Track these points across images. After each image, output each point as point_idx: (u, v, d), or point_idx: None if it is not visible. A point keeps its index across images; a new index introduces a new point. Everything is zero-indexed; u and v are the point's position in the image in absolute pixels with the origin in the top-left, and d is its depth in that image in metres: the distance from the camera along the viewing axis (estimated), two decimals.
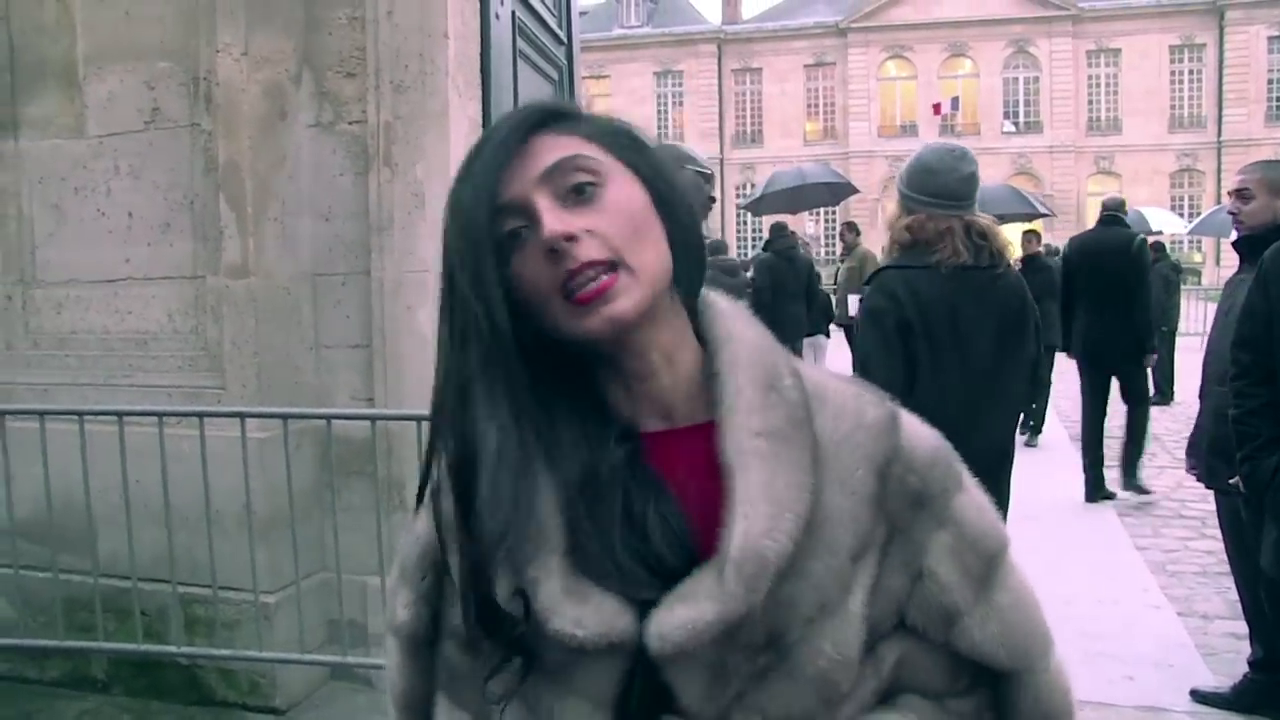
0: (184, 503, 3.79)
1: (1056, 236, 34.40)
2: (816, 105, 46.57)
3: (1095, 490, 7.17)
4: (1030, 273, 9.00)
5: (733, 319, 0.99)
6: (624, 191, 0.93)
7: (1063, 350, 7.63)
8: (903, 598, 0.96)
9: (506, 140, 0.92)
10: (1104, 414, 7.29)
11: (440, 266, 0.94)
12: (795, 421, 0.92)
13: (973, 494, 1.00)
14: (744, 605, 0.85)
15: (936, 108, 41.63)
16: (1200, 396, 4.04)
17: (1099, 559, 5.80)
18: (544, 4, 5.28)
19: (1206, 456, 3.91)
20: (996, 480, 2.90)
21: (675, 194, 0.98)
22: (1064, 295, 7.32)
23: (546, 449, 0.91)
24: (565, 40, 5.69)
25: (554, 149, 0.92)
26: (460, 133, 4.09)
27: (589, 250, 0.89)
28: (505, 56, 4.59)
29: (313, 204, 4.10)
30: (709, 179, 3.23)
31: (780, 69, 46.21)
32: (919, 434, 0.99)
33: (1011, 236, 4.62)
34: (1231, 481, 3.56)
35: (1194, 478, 4.25)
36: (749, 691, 0.90)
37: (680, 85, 47.25)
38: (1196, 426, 4.10)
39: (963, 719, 1.01)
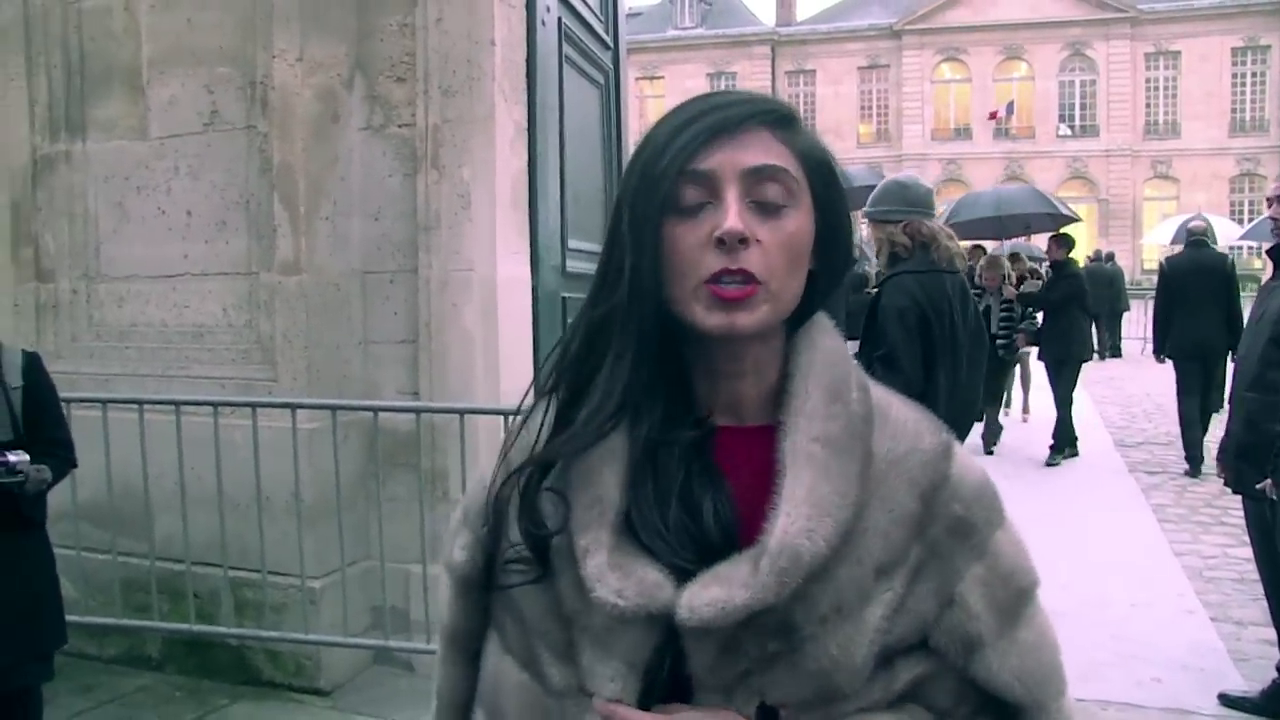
0: (236, 489, 3.96)
1: (1112, 242, 34.01)
2: (870, 108, 46.27)
3: (1196, 467, 8.06)
4: (1056, 279, 9.24)
5: (817, 328, 1.03)
6: (802, 223, 0.97)
7: (1157, 353, 8.92)
8: (929, 620, 0.98)
9: (732, 117, 0.95)
10: (1199, 403, 8.31)
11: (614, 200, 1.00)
12: (854, 434, 0.97)
13: (1011, 531, 1.04)
14: (773, 596, 0.90)
15: (993, 114, 41.21)
16: (1230, 401, 4.05)
17: (1136, 564, 5.78)
18: (590, 10, 5.40)
19: (1235, 461, 3.92)
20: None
21: (841, 240, 1.03)
22: (1163, 306, 8.68)
23: (634, 412, 0.97)
24: (612, 45, 5.80)
25: (768, 151, 0.96)
26: (505, 137, 4.22)
27: (752, 260, 0.93)
28: (551, 62, 4.71)
29: (363, 204, 4.24)
30: None
31: (834, 71, 45.99)
32: (969, 466, 1.03)
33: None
34: (1259, 486, 3.58)
35: (1224, 483, 4.25)
36: (754, 673, 0.95)
37: (734, 86, 47.12)
38: (1227, 433, 4.11)
39: None
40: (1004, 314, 9.15)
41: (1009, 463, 8.78)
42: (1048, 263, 10.17)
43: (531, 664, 1.05)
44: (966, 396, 3.73)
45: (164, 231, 4.38)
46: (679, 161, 0.94)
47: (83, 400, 4.02)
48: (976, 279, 9.04)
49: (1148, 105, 43.13)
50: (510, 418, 1.06)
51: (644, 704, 0.96)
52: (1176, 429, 9.77)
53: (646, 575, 0.93)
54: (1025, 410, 10.69)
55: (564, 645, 1.00)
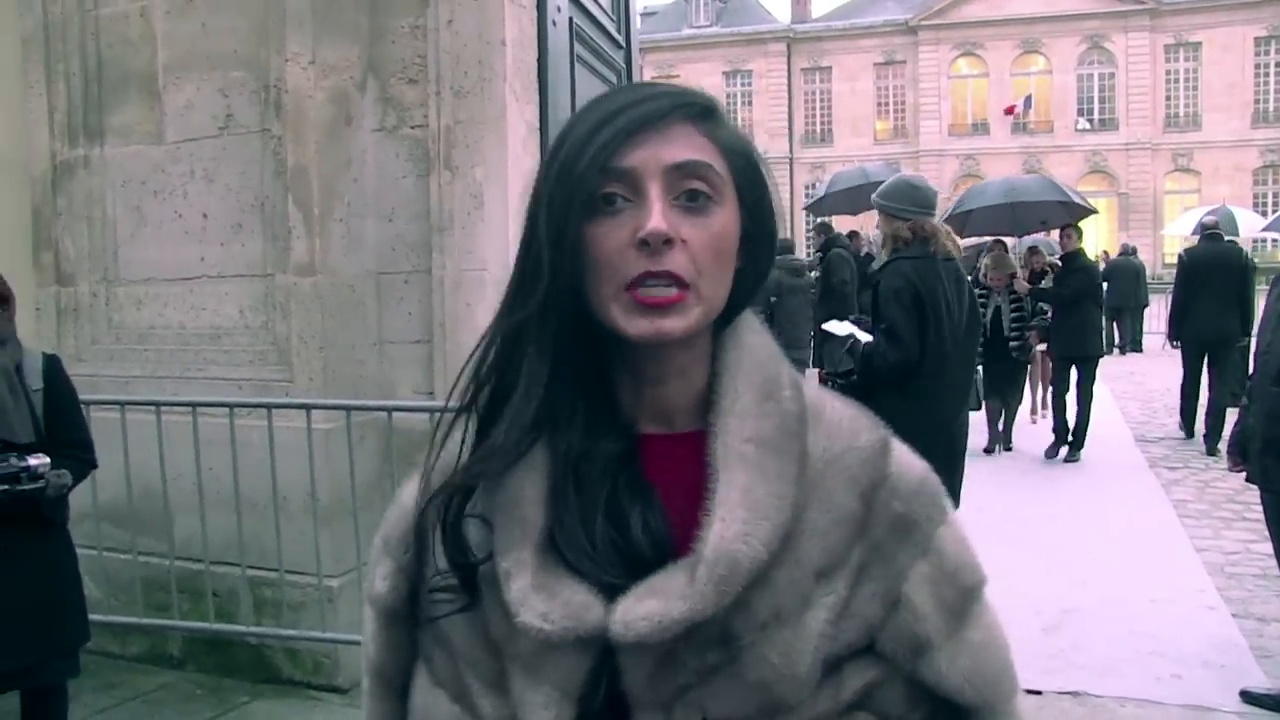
0: (253, 490, 4.00)
1: (1133, 236, 33.75)
2: (887, 104, 46.10)
3: (1211, 446, 8.49)
4: (1067, 272, 8.85)
5: (744, 327, 0.99)
6: (728, 219, 0.92)
7: (1171, 340, 9.51)
8: (875, 624, 0.95)
9: (651, 112, 0.90)
10: (1196, 381, 9.21)
11: (527, 202, 0.94)
12: (787, 433, 0.93)
13: (955, 527, 1.00)
14: (713, 606, 0.86)
15: (1010, 110, 40.99)
16: (1249, 395, 4.03)
17: (1156, 560, 5.75)
18: (602, 9, 5.41)
19: (1260, 458, 3.89)
20: (961, 418, 4.29)
21: (766, 237, 0.98)
22: (1181, 295, 9.16)
23: (554, 425, 0.92)
24: (624, 44, 5.81)
25: (690, 146, 0.91)
26: (518, 136, 4.23)
27: (677, 262, 0.88)
28: (562, 62, 4.72)
29: (377, 205, 4.27)
30: None
31: (850, 67, 45.83)
32: (908, 463, 0.99)
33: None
34: None
35: (1245, 479, 4.21)
36: (694, 687, 0.91)
37: (749, 84, 47.10)
38: (1238, 425, 4.08)
39: None
40: (1014, 312, 8.88)
41: (1025, 459, 8.78)
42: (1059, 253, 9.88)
43: (463, 696, 1.00)
44: (956, 376, 4.22)
45: (181, 235, 4.42)
46: (600, 159, 0.88)
47: (101, 402, 4.06)
48: (982, 278, 8.87)
49: (1168, 97, 42.79)
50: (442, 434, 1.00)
51: None
52: (1199, 425, 9.73)
53: (574, 596, 0.88)
54: (1034, 411, 10.26)
55: (495, 675, 0.96)
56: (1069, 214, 10.65)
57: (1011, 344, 8.76)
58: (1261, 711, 3.83)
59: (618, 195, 0.89)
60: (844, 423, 0.97)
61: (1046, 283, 9.14)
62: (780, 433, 0.92)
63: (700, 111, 0.94)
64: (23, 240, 4.73)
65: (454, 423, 0.98)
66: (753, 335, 0.99)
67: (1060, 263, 9.29)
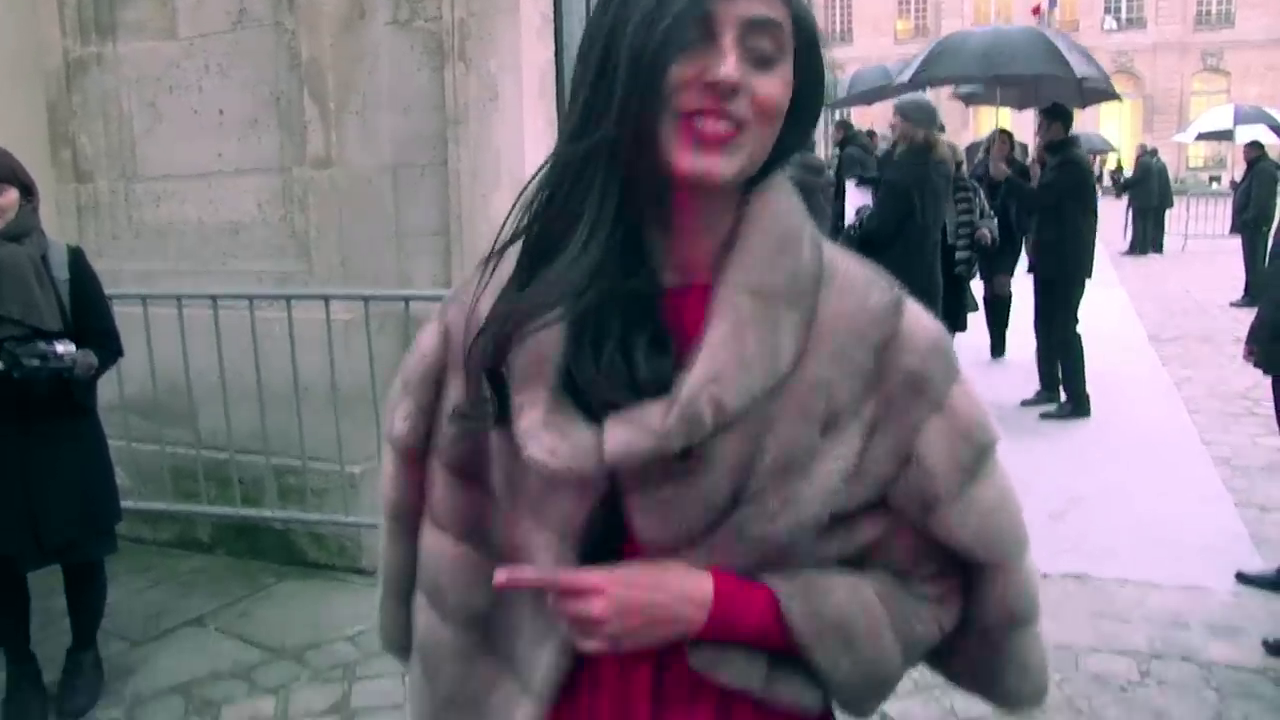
0: (275, 381, 4.09)
1: (1156, 138, 33.15)
2: (908, 2, 45.06)
3: None
4: (1051, 169, 6.70)
5: (773, 188, 1.00)
6: (785, 80, 0.94)
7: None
8: (888, 479, 0.97)
9: None
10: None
11: (591, 30, 0.94)
12: (797, 288, 0.94)
13: (968, 387, 1.01)
14: (680, 443, 0.89)
15: (1036, 9, 39.93)
16: (1266, 285, 4.04)
17: (1163, 452, 5.83)
18: None
19: (1268, 343, 3.91)
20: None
21: (812, 105, 0.99)
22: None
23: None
24: None
25: (768, 4, 0.92)
26: (531, 27, 4.22)
27: (740, 108, 0.90)
28: None
29: (392, 98, 4.26)
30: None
31: None
32: (921, 322, 1.00)
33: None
34: None
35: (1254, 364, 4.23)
36: (700, 537, 0.95)
37: None
38: (1258, 315, 4.10)
39: (924, 601, 1.04)
40: (962, 214, 6.81)
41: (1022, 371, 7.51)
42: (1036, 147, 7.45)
43: (473, 534, 1.06)
44: (927, 262, 5.81)
45: (197, 130, 4.44)
46: (700, 3, 0.89)
47: (123, 296, 4.12)
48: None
49: None
50: (488, 264, 1.01)
51: None
52: (1214, 325, 9.70)
53: (582, 437, 0.91)
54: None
55: (506, 509, 1.01)
56: (1080, 95, 8.09)
57: (957, 255, 6.70)
58: (1255, 590, 3.93)
59: (693, 38, 0.89)
60: (857, 281, 0.99)
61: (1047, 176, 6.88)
62: (789, 287, 0.94)
63: None
64: (40, 138, 4.76)
65: (490, 261, 1.00)
66: (780, 194, 1.00)
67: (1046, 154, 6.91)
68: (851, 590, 1.01)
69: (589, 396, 0.92)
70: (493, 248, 1.00)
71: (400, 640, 1.25)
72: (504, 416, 0.95)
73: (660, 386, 0.91)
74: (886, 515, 1.00)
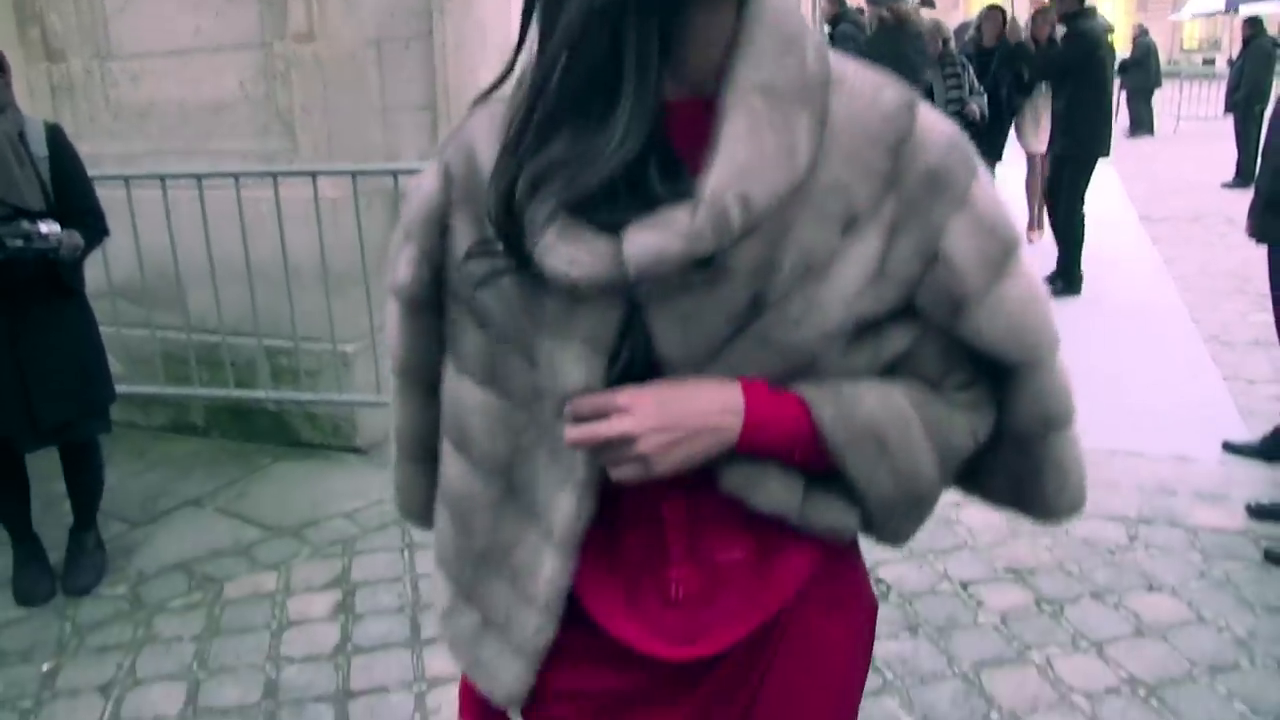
0: (263, 261, 4.04)
1: (1149, 19, 32.49)
2: None
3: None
4: (1064, 39, 6.74)
5: None
6: None
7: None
8: (914, 281, 0.95)
9: None
10: None
11: None
12: (807, 88, 0.91)
13: (987, 184, 0.98)
14: (711, 245, 0.86)
15: None
16: (1263, 155, 4.00)
17: (1153, 328, 5.86)
18: None
19: (1261, 211, 3.88)
20: None
21: None
22: None
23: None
24: None
25: None
26: None
27: None
28: None
29: None
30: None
31: None
32: (935, 123, 0.97)
33: None
34: None
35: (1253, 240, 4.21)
36: (725, 348, 0.93)
37: None
38: (1256, 189, 4.07)
39: (958, 408, 1.02)
40: (951, 88, 7.03)
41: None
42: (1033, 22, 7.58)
43: (493, 380, 1.03)
44: None
45: (172, 5, 4.30)
46: None
47: (106, 178, 4.04)
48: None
49: None
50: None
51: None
52: (1204, 205, 9.66)
53: (598, 245, 0.88)
54: (1030, 227, 8.16)
55: (528, 347, 0.98)
56: None
57: None
58: (1240, 459, 3.99)
59: None
60: (867, 84, 0.96)
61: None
62: (798, 86, 0.90)
63: None
64: (5, 14, 4.60)
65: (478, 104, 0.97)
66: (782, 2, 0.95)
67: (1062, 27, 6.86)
68: (883, 396, 0.99)
69: (604, 216, 0.88)
70: (514, 79, 0.95)
71: (414, 506, 1.23)
72: (519, 252, 0.92)
73: (677, 199, 0.88)
74: (914, 324, 0.98)
